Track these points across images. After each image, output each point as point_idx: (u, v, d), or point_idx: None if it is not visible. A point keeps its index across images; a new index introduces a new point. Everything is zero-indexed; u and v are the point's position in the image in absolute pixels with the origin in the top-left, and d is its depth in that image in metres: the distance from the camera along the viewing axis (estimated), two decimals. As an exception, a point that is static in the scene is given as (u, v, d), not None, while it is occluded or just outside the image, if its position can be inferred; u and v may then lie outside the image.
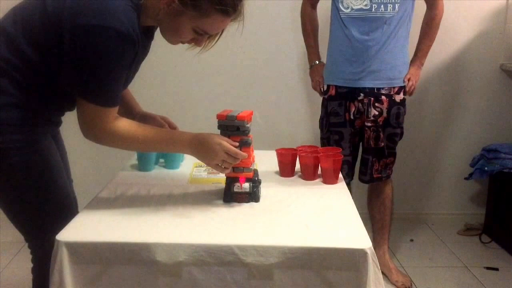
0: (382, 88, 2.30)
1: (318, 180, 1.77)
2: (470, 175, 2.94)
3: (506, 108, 3.08)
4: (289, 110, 3.04)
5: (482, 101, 3.07)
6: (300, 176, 1.80)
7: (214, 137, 1.44)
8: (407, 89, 2.35)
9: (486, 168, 2.85)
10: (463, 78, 3.05)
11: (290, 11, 2.89)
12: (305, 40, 2.51)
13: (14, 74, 1.37)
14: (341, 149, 1.88)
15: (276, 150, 1.84)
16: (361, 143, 2.45)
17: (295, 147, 1.86)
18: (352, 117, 2.33)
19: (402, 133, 2.42)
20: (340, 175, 1.78)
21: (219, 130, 1.50)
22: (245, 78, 2.98)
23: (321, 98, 2.48)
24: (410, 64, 2.38)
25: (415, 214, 3.20)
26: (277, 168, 1.84)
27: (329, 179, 1.74)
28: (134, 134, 1.42)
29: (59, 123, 1.61)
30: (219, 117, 1.48)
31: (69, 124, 1.61)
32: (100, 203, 1.51)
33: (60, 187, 1.53)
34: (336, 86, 2.35)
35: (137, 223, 1.37)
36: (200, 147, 1.44)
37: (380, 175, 2.42)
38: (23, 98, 1.39)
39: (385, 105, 2.30)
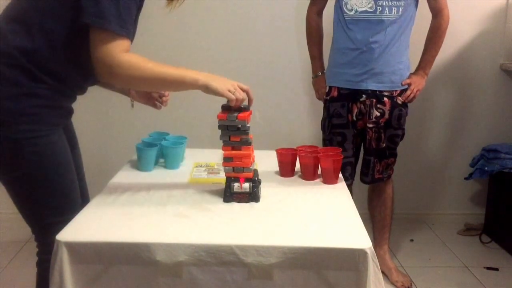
0: (384, 90, 2.30)
1: (318, 180, 1.77)
2: (470, 175, 2.94)
3: (506, 108, 3.08)
4: (289, 110, 3.04)
5: (482, 101, 3.07)
6: (300, 176, 1.80)
7: None
8: (405, 95, 2.34)
9: (486, 168, 2.85)
10: (463, 78, 3.05)
11: (293, 11, 2.89)
12: (310, 50, 2.48)
13: (26, 64, 1.41)
14: (341, 149, 1.88)
15: (276, 150, 1.84)
16: (362, 144, 2.44)
17: (295, 147, 1.86)
18: (354, 118, 2.33)
19: (403, 134, 2.41)
20: (340, 175, 1.78)
21: (220, 130, 1.50)
22: (245, 78, 2.94)
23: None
24: (413, 73, 2.38)
25: (415, 214, 3.20)
26: (277, 168, 1.84)
27: (329, 179, 1.74)
28: (146, 63, 1.42)
29: (70, 112, 1.62)
30: (220, 117, 1.49)
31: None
32: (100, 203, 1.51)
33: (69, 182, 1.56)
34: (338, 87, 2.35)
35: (137, 223, 1.37)
36: (211, 76, 1.48)
37: (381, 176, 2.42)
38: (34, 87, 1.43)
39: (387, 106, 2.30)
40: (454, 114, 3.10)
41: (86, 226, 1.34)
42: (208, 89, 1.45)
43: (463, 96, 3.08)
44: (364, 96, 2.29)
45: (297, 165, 1.82)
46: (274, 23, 2.93)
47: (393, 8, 2.20)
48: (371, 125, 2.32)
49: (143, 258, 1.25)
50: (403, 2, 2.20)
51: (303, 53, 2.83)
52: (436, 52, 2.39)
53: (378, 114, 2.30)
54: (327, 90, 2.40)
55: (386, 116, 2.31)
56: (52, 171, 1.50)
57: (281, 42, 2.95)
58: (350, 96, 2.32)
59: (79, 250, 1.25)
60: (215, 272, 1.26)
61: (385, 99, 2.30)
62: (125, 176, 1.77)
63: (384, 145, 2.35)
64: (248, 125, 1.50)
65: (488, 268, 2.63)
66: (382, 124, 2.32)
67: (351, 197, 1.63)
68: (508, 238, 2.84)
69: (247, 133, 1.50)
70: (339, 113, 2.35)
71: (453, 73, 3.03)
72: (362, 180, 2.48)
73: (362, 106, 2.31)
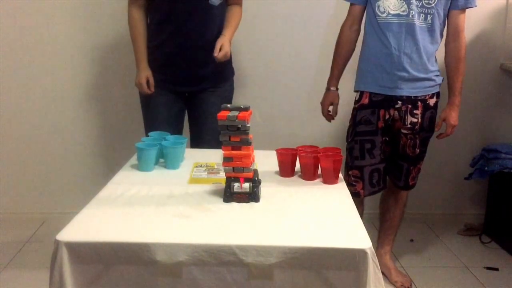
0: (418, 95, 2.25)
1: (318, 180, 1.77)
2: (470, 175, 2.94)
3: (506, 108, 3.08)
4: (289, 110, 3.04)
5: (482, 101, 3.07)
6: (300, 176, 1.80)
7: (142, 72, 2.30)
8: (443, 134, 2.33)
9: (486, 168, 2.85)
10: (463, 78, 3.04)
11: (297, 10, 2.88)
12: (333, 63, 2.39)
13: None
14: (341, 149, 1.88)
15: (276, 150, 1.84)
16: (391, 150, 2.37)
17: (295, 147, 1.86)
18: (384, 124, 2.27)
19: (432, 135, 2.38)
20: (340, 175, 1.78)
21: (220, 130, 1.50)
22: (245, 78, 2.98)
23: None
24: (449, 108, 2.32)
25: (415, 214, 3.19)
26: (277, 168, 1.84)
27: (329, 179, 1.74)
28: (135, 24, 2.28)
29: None
30: (220, 117, 1.49)
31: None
32: (100, 203, 1.51)
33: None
34: (370, 93, 2.27)
35: (137, 223, 1.37)
36: (141, 68, 2.31)
37: (414, 182, 2.41)
38: None
39: (420, 110, 2.26)
40: (454, 114, 3.09)
41: (86, 226, 1.34)
42: None
43: (463, 96, 3.05)
44: (399, 102, 2.24)
45: (297, 165, 1.82)
46: (275, 22, 2.93)
47: (421, 14, 2.17)
48: (405, 131, 2.27)
49: (143, 258, 1.25)
50: (433, 10, 2.17)
51: (304, 53, 2.84)
52: (462, 77, 2.32)
53: (415, 120, 2.25)
54: (357, 97, 2.32)
55: (419, 119, 2.27)
56: None
57: (281, 42, 2.95)
58: (382, 102, 2.25)
59: (79, 250, 1.26)
60: (215, 272, 1.26)
61: (419, 103, 2.26)
62: (125, 176, 1.77)
63: (418, 150, 2.32)
64: (248, 125, 1.50)
65: (488, 268, 2.63)
66: (418, 129, 2.27)
67: (351, 197, 1.63)
68: (508, 238, 2.84)
69: (247, 133, 1.50)
70: (368, 120, 2.27)
71: (453, 73, 3.02)
72: (395, 185, 2.43)
73: (396, 113, 2.25)
